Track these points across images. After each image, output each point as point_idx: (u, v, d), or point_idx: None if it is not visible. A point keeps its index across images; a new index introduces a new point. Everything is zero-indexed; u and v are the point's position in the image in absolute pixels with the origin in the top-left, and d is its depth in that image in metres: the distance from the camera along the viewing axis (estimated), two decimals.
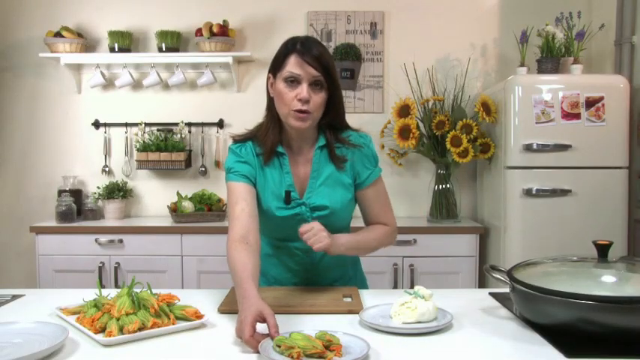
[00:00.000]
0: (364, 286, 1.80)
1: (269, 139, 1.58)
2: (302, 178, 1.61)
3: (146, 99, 3.55)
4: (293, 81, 1.49)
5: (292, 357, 1.07)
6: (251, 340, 1.14)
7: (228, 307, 1.45)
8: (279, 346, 1.10)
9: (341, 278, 1.73)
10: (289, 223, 1.57)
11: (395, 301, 1.35)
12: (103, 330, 1.24)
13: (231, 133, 1.66)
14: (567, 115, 2.83)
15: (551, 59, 3.04)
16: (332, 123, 1.60)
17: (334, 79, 1.52)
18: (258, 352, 1.12)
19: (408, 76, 3.41)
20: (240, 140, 1.62)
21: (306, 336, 1.12)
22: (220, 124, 3.54)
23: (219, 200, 3.38)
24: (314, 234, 1.44)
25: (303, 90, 1.48)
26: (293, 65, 1.49)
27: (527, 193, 2.85)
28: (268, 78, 1.59)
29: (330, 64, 1.51)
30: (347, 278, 1.75)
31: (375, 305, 1.41)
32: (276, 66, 1.54)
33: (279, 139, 1.59)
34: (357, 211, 1.72)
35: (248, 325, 1.15)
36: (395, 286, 3.03)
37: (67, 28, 3.37)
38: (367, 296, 1.57)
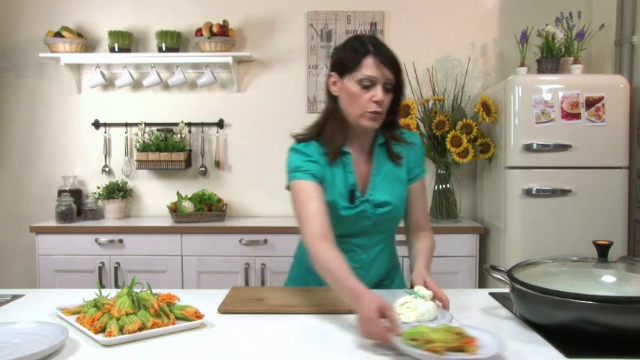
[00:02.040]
0: (404, 286, 1.81)
1: (336, 139, 1.58)
2: (364, 176, 1.63)
3: (146, 99, 3.55)
4: (368, 83, 1.50)
5: (434, 351, 1.03)
6: (387, 336, 1.14)
7: (229, 307, 1.45)
8: (415, 340, 1.07)
9: (387, 277, 1.76)
10: (352, 220, 1.61)
11: (395, 301, 1.35)
12: (103, 330, 1.24)
13: (292, 132, 1.65)
14: (567, 115, 2.83)
15: (551, 59, 3.04)
16: (389, 121, 1.62)
17: (403, 81, 1.57)
18: (388, 342, 1.12)
19: (408, 76, 3.41)
20: (303, 139, 1.62)
21: (434, 329, 1.10)
22: (220, 124, 3.54)
23: (219, 200, 3.38)
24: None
25: (379, 93, 1.50)
26: (370, 68, 1.50)
27: (527, 193, 2.85)
28: (330, 76, 1.58)
29: (400, 66, 1.54)
30: (392, 278, 1.77)
31: None
32: (348, 66, 1.53)
33: (344, 139, 1.59)
34: None
35: (378, 324, 1.16)
36: None
37: (67, 28, 3.37)
38: None
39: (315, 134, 1.61)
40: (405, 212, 1.72)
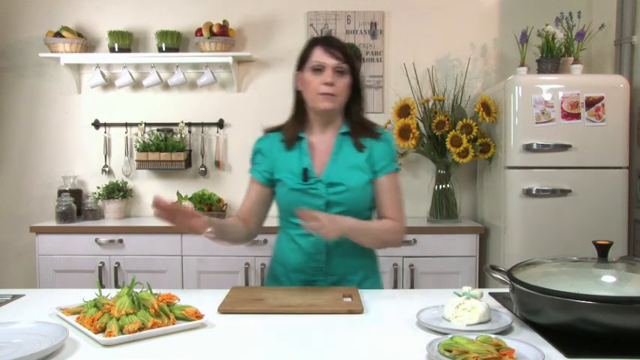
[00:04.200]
0: (379, 287, 1.82)
1: (293, 127, 1.76)
2: (323, 162, 1.73)
3: (146, 99, 3.55)
4: (318, 69, 1.67)
5: None
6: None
7: (228, 307, 1.45)
8: (449, 351, 1.05)
9: (360, 270, 1.75)
10: (303, 199, 1.67)
11: (446, 303, 1.33)
12: (103, 330, 1.24)
13: (265, 126, 1.85)
14: (567, 115, 2.83)
15: (551, 59, 3.04)
16: (357, 113, 1.77)
17: (355, 67, 1.71)
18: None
19: (408, 76, 3.41)
20: (267, 132, 1.83)
21: (472, 340, 1.07)
22: (220, 124, 3.54)
23: (219, 200, 3.38)
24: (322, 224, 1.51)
25: (328, 75, 1.66)
26: (318, 55, 1.68)
27: (527, 193, 2.85)
28: (295, 75, 1.76)
29: (350, 53, 1.71)
30: (362, 276, 1.75)
31: (426, 308, 1.38)
32: (302, 60, 1.72)
33: (303, 127, 1.76)
34: None
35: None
36: (395, 286, 3.03)
37: (67, 28, 3.37)
38: (367, 296, 1.57)
39: (281, 126, 1.81)
40: (375, 206, 1.76)
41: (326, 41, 1.70)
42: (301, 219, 1.51)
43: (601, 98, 2.82)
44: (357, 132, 1.74)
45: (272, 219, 1.87)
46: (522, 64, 3.12)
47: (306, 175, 1.69)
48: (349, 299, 1.52)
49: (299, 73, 1.74)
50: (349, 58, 1.69)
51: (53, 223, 3.22)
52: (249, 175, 1.81)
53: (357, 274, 1.74)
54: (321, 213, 1.55)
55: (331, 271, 1.71)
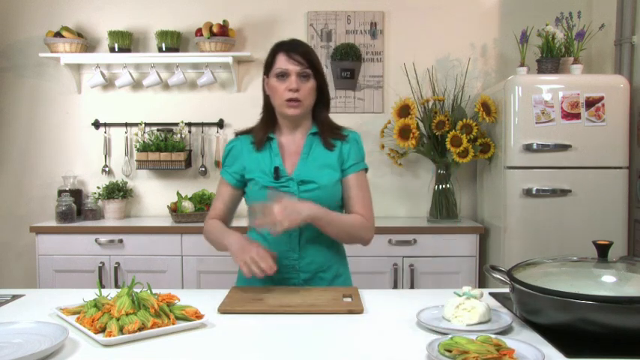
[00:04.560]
0: (348, 284, 1.83)
1: (262, 129, 1.79)
2: (294, 161, 1.75)
3: (146, 99, 3.55)
4: (283, 75, 1.69)
5: None
6: (262, 248, 1.53)
7: (228, 307, 1.45)
8: (449, 351, 1.05)
9: (331, 267, 1.76)
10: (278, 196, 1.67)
11: (446, 303, 1.33)
12: (103, 330, 1.24)
13: (236, 130, 1.88)
14: (567, 115, 2.83)
15: (551, 59, 3.04)
16: (323, 115, 1.79)
17: (319, 70, 1.73)
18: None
19: (408, 76, 3.41)
20: (237, 134, 1.85)
21: (472, 340, 1.07)
22: (220, 124, 3.54)
23: None
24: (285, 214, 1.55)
25: (292, 81, 1.68)
26: (281, 62, 1.70)
27: (527, 193, 2.85)
28: (263, 80, 1.79)
29: (313, 57, 1.72)
30: (334, 273, 1.76)
31: (426, 308, 1.38)
32: (268, 66, 1.75)
33: (273, 129, 1.79)
34: None
35: (250, 245, 1.55)
36: (395, 286, 3.03)
37: (67, 28, 3.37)
38: (367, 296, 1.57)
39: (251, 128, 1.83)
40: (343, 204, 1.77)
41: (289, 47, 1.71)
42: (254, 214, 1.56)
43: (601, 98, 2.82)
44: (326, 132, 1.77)
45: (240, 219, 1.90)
46: (522, 64, 3.12)
47: (277, 173, 1.71)
48: (349, 299, 1.52)
49: (265, 78, 1.76)
50: (312, 62, 1.70)
51: (53, 223, 3.22)
52: (220, 176, 1.84)
53: (329, 271, 1.76)
54: (278, 201, 1.55)
55: (304, 268, 1.72)
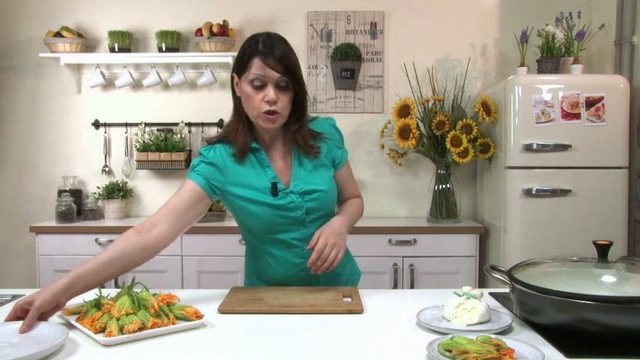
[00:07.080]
0: (356, 273, 1.84)
1: (240, 137, 1.58)
2: (284, 170, 1.62)
3: (146, 99, 3.55)
4: (259, 84, 1.50)
5: None
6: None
7: (228, 307, 1.45)
8: (449, 351, 1.04)
9: (343, 270, 1.75)
10: (281, 214, 1.59)
11: (446, 303, 1.32)
12: (103, 330, 1.24)
13: (204, 136, 1.68)
14: (567, 115, 2.83)
15: (551, 59, 3.04)
16: (296, 121, 1.60)
17: (298, 78, 1.53)
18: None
19: (408, 76, 3.41)
20: (211, 143, 1.63)
21: (472, 340, 1.07)
22: (220, 124, 3.54)
23: (219, 200, 3.37)
24: (328, 251, 1.51)
25: (270, 92, 1.49)
26: (257, 68, 1.49)
27: (527, 193, 2.85)
28: (232, 77, 1.59)
29: (293, 63, 1.51)
30: (343, 265, 1.75)
31: (426, 308, 1.38)
32: (240, 67, 1.54)
33: (252, 137, 1.60)
34: None
35: (16, 308, 1.28)
36: (395, 286, 3.03)
37: (67, 28, 3.37)
38: (367, 296, 1.57)
39: (223, 136, 1.62)
40: (337, 196, 1.72)
41: (265, 50, 1.50)
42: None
43: (601, 98, 2.82)
44: (307, 147, 1.62)
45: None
46: (522, 64, 3.12)
47: (275, 189, 1.57)
48: (349, 299, 1.52)
49: (236, 78, 1.57)
50: (291, 69, 1.50)
51: (53, 223, 3.22)
52: (186, 178, 1.58)
53: (339, 266, 1.68)
54: (317, 235, 1.52)
55: (321, 276, 1.67)
